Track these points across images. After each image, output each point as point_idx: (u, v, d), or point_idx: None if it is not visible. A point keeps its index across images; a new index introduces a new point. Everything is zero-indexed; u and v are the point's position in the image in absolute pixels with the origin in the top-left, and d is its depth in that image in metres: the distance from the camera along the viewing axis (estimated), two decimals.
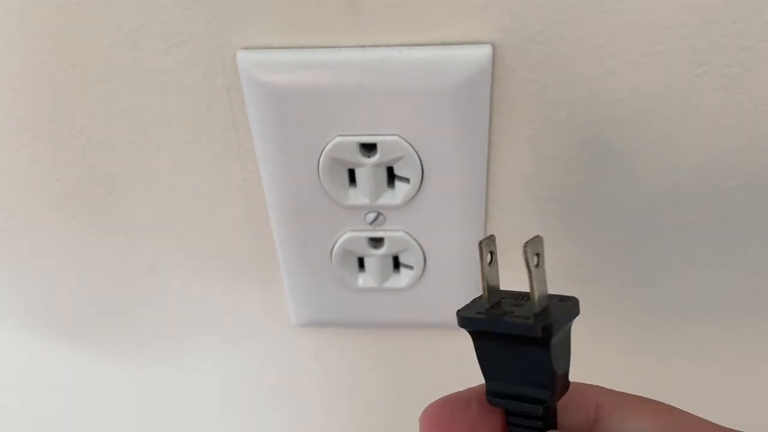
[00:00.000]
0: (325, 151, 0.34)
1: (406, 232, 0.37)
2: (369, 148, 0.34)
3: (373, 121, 0.33)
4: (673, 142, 0.34)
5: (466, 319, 0.24)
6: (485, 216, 0.37)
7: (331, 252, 0.38)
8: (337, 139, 0.33)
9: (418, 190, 0.35)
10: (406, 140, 0.33)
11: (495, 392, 0.24)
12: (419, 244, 0.37)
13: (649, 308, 0.41)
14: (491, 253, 0.24)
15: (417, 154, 0.33)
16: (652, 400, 0.24)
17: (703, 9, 0.30)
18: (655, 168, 0.35)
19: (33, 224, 0.40)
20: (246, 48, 0.32)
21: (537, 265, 0.23)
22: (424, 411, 0.23)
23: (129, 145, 0.36)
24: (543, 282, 0.23)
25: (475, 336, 0.24)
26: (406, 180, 0.34)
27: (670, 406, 0.24)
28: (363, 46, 0.31)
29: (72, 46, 0.33)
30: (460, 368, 0.44)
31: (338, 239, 0.37)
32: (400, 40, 0.31)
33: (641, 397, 0.24)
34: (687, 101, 0.32)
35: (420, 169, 0.34)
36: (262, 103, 0.33)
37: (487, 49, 0.31)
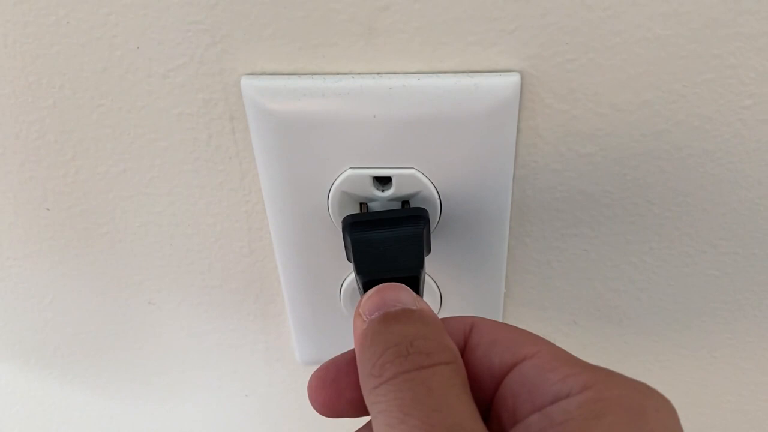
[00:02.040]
0: (335, 184, 0.31)
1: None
2: (383, 182, 0.31)
3: (388, 153, 0.30)
4: (716, 179, 0.31)
5: (352, 215, 0.29)
6: (507, 253, 0.34)
7: (341, 289, 0.35)
8: (349, 172, 0.30)
9: (436, 226, 0.32)
10: (423, 174, 0.30)
11: (368, 283, 0.27)
12: (435, 283, 0.34)
13: (680, 348, 0.38)
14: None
15: (435, 188, 0.31)
16: (525, 332, 0.23)
17: (757, 36, 0.27)
18: (692, 206, 0.32)
19: (22, 254, 0.37)
20: (251, 73, 0.29)
21: None
22: (310, 376, 0.23)
23: (124, 173, 0.33)
24: None
25: (357, 229, 0.28)
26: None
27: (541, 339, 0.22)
28: (378, 73, 0.29)
29: (62, 67, 0.30)
30: None
31: (348, 276, 0.35)
32: (419, 67, 0.29)
33: (514, 328, 0.23)
34: (733, 135, 0.30)
35: (439, 206, 0.31)
36: (267, 133, 0.30)
37: (515, 78, 0.28)
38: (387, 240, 0.28)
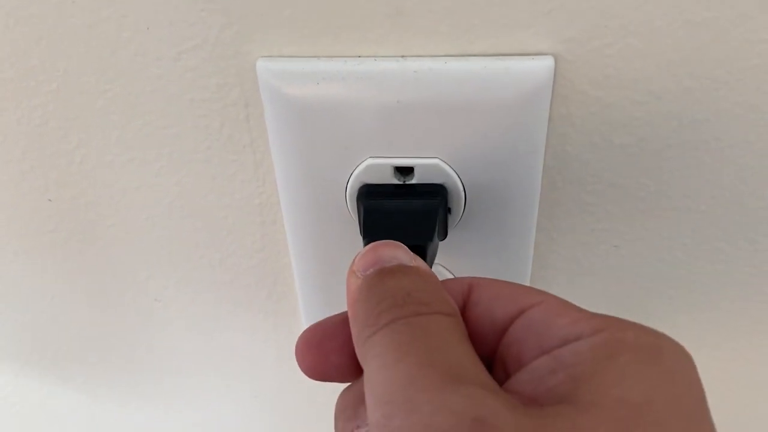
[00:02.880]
0: (354, 174, 0.29)
1: (443, 266, 0.32)
2: (405, 172, 0.29)
3: (411, 141, 0.28)
4: (755, 171, 0.29)
5: (368, 185, 0.29)
6: (533, 247, 0.32)
7: None
8: (369, 161, 0.29)
9: (459, 220, 0.30)
10: (448, 164, 0.29)
11: None
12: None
13: (712, 350, 0.36)
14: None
15: (460, 180, 0.29)
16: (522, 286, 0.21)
17: None
18: (730, 200, 0.30)
19: (23, 247, 0.36)
20: (267, 56, 0.28)
21: None
22: (298, 337, 0.23)
23: (131, 162, 0.32)
24: None
25: (372, 197, 0.28)
26: (447, 209, 0.30)
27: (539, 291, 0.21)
28: (403, 56, 0.27)
29: (67, 50, 0.29)
30: None
31: None
32: (447, 50, 0.27)
33: (516, 284, 0.22)
34: None
35: (463, 198, 0.29)
36: (284, 119, 0.28)
37: (548, 61, 0.26)
38: (399, 210, 0.28)
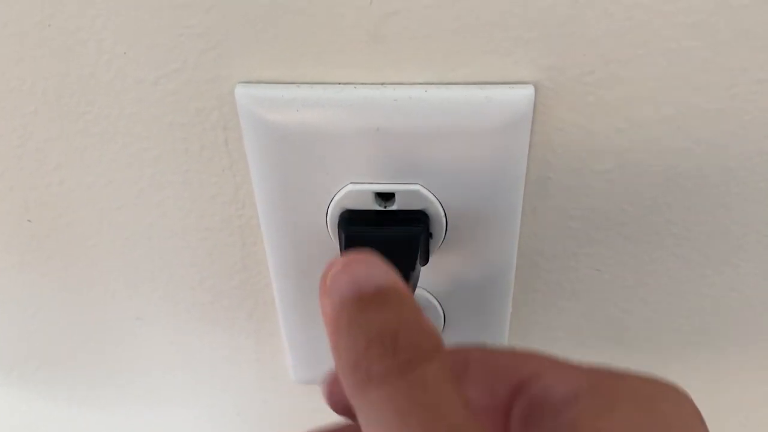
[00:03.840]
0: (335, 199, 0.29)
1: (425, 289, 0.32)
2: (386, 198, 0.29)
3: (391, 168, 0.28)
4: (739, 198, 0.29)
5: (350, 211, 0.29)
6: (515, 271, 0.32)
7: None
8: (350, 187, 0.29)
9: (442, 242, 0.30)
10: (429, 190, 0.28)
11: None
12: (439, 303, 0.33)
13: (694, 371, 0.36)
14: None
15: (441, 205, 0.29)
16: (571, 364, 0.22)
17: None
18: (713, 226, 0.30)
19: (3, 266, 0.35)
20: (246, 81, 0.27)
21: None
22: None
23: (111, 184, 0.31)
24: None
25: (353, 223, 0.28)
26: (428, 234, 0.30)
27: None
28: (383, 84, 0.27)
29: (46, 72, 0.28)
30: None
31: None
32: (427, 77, 0.27)
33: (509, 352, 0.22)
34: (757, 153, 0.28)
35: (444, 223, 0.29)
36: (263, 145, 0.28)
37: (528, 91, 0.26)
38: (380, 238, 0.28)
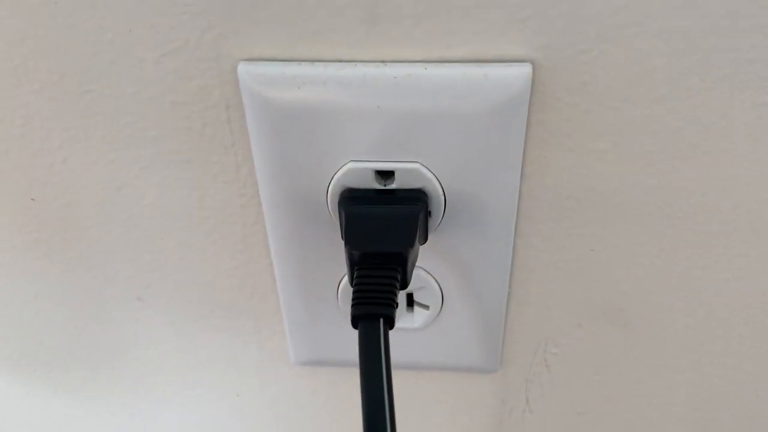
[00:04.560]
0: (335, 177, 0.29)
1: (424, 269, 0.33)
2: (385, 176, 0.30)
3: (391, 146, 0.28)
4: (731, 177, 0.30)
5: (350, 189, 0.29)
6: (513, 251, 0.33)
7: (338, 287, 0.34)
8: (350, 165, 0.29)
9: (440, 221, 0.31)
10: (428, 168, 0.29)
11: (354, 255, 0.27)
12: (437, 282, 0.33)
13: (688, 353, 0.37)
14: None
15: (440, 184, 0.29)
16: None
17: None
18: (707, 207, 0.31)
19: (5, 246, 0.36)
20: (248, 59, 0.28)
21: None
22: None
23: (112, 163, 0.32)
24: None
25: (353, 202, 0.29)
26: (427, 213, 0.30)
27: None
28: (383, 62, 0.27)
29: (49, 51, 0.29)
30: (475, 414, 0.40)
31: (346, 274, 0.33)
32: (426, 55, 0.27)
33: None
34: (749, 134, 0.28)
35: (443, 202, 0.30)
36: (265, 122, 0.29)
37: (526, 68, 0.27)
38: (381, 216, 0.28)
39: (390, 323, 0.26)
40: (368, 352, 0.25)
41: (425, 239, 0.30)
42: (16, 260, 0.36)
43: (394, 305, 0.26)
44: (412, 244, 0.28)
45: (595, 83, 0.27)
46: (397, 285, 0.27)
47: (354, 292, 0.27)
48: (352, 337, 0.35)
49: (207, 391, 0.41)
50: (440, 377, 0.39)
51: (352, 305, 0.27)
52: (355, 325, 0.27)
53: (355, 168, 0.29)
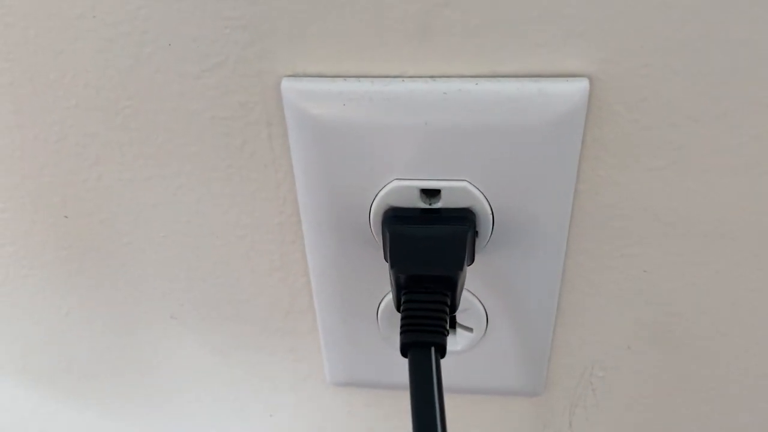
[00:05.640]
0: (379, 195, 0.28)
1: (468, 290, 0.32)
2: (431, 194, 0.28)
3: (438, 163, 0.27)
4: None
5: (394, 209, 0.28)
6: (562, 272, 0.31)
7: (378, 308, 0.33)
8: (395, 183, 0.28)
9: (487, 243, 0.29)
10: (476, 187, 0.28)
11: (401, 278, 0.26)
12: (482, 304, 0.32)
13: (743, 377, 0.35)
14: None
15: (488, 203, 0.28)
16: None
17: None
18: (765, 226, 0.29)
19: (38, 263, 0.35)
20: (292, 75, 0.27)
21: None
22: None
23: (149, 180, 0.31)
24: None
25: (398, 222, 0.27)
26: (474, 233, 0.29)
27: None
28: (432, 77, 0.26)
29: (86, 64, 0.28)
30: None
31: (386, 295, 0.32)
32: (477, 70, 0.26)
33: None
34: None
35: (491, 221, 0.28)
36: (308, 140, 0.28)
37: (583, 83, 0.26)
38: (427, 237, 0.27)
39: (441, 351, 0.25)
40: (420, 383, 0.24)
41: (472, 260, 0.29)
42: (49, 276, 0.35)
43: (445, 332, 0.25)
44: (461, 267, 0.27)
45: (655, 98, 0.26)
46: (447, 310, 0.26)
47: (402, 318, 0.26)
48: (390, 359, 0.34)
49: (240, 409, 0.40)
50: (481, 399, 0.37)
51: (401, 332, 0.26)
52: (404, 353, 0.26)
53: (400, 186, 0.28)
